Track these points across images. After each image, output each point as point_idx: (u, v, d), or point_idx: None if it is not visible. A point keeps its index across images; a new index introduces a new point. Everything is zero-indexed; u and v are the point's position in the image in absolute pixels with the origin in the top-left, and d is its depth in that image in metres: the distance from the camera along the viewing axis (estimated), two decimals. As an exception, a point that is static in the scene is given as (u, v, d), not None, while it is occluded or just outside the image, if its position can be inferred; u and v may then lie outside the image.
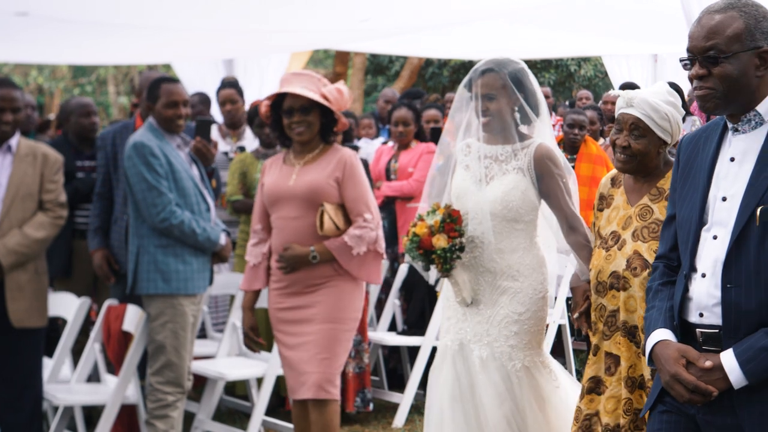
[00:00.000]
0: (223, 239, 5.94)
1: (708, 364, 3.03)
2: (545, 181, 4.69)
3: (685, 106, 8.66)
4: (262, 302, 5.66)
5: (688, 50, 3.13)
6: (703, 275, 3.11)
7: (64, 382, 6.11)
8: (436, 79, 20.99)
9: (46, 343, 6.00)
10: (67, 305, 6.20)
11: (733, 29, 3.03)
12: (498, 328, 4.66)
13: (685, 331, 3.17)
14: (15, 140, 5.70)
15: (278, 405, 7.17)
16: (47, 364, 6.06)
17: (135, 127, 6.53)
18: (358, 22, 9.04)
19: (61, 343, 6.12)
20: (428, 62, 20.64)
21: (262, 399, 6.23)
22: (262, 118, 5.78)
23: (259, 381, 6.39)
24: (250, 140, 8.16)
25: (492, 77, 4.70)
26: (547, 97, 11.12)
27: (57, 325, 6.62)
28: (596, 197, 4.52)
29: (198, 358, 6.45)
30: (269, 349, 6.34)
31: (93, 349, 6.10)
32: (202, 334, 7.12)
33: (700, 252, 3.13)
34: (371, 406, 7.02)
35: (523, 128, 4.78)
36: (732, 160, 3.12)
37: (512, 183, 4.67)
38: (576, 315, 4.55)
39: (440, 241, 4.62)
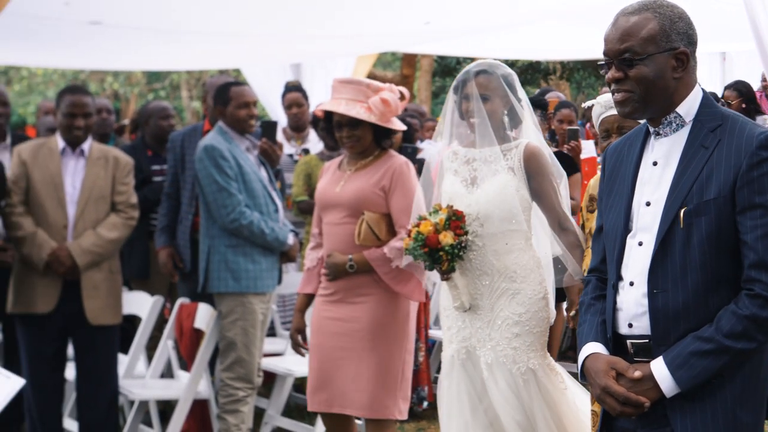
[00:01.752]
0: (291, 239, 6.07)
1: (637, 374, 2.93)
2: (536, 180, 4.63)
3: (757, 104, 8.63)
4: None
5: (604, 53, 3.05)
6: (631, 283, 3.03)
7: (139, 377, 6.28)
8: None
9: (122, 340, 6.21)
10: (141, 303, 6.37)
11: (647, 31, 2.95)
12: (499, 331, 4.57)
13: (617, 344, 3.07)
14: (87, 144, 5.91)
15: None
16: (122, 360, 6.23)
17: (203, 130, 6.70)
18: (422, 24, 9.12)
19: (136, 340, 6.30)
20: (495, 63, 20.61)
21: None
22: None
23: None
24: (314, 143, 8.30)
25: (487, 78, 4.67)
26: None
27: (133, 323, 6.81)
28: (585, 199, 4.54)
29: (267, 355, 6.57)
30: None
31: (166, 346, 6.27)
32: (271, 332, 7.23)
33: (627, 260, 3.05)
34: (425, 404, 7.06)
35: (511, 131, 4.75)
36: (655, 164, 3.04)
37: (503, 182, 4.61)
38: (573, 313, 4.55)
39: (447, 238, 4.51)
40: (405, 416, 5.14)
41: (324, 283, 5.18)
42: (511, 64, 21.29)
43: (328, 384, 5.06)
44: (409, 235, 4.65)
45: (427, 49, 14.48)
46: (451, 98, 4.83)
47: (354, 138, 5.05)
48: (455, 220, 4.55)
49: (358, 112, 4.98)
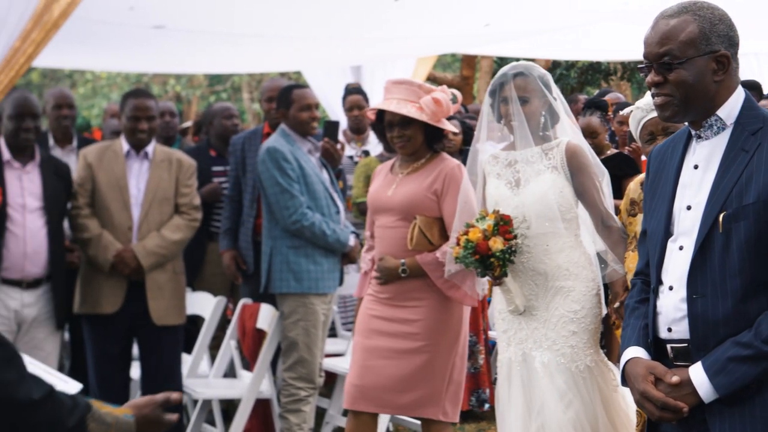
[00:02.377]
0: (352, 241, 6.11)
1: (675, 379, 2.91)
2: (578, 177, 4.64)
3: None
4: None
5: (644, 56, 3.01)
6: (671, 288, 2.99)
7: (202, 376, 6.37)
8: (564, 81, 20.84)
9: (185, 340, 6.29)
10: (204, 304, 6.46)
11: (686, 34, 2.92)
12: (556, 330, 4.57)
13: (658, 348, 3.05)
14: (151, 147, 5.99)
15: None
16: (186, 360, 6.32)
17: (263, 132, 6.76)
18: (482, 26, 9.13)
19: (199, 340, 6.38)
20: (555, 64, 20.55)
21: None
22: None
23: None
24: (373, 145, 8.34)
25: (524, 80, 4.68)
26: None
27: (195, 323, 6.90)
28: (626, 203, 4.54)
29: (329, 355, 6.60)
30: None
31: (229, 346, 6.34)
32: (332, 333, 7.28)
33: (667, 264, 3.02)
34: (486, 406, 7.05)
35: (550, 131, 4.76)
36: (696, 167, 3.01)
37: (549, 182, 4.62)
38: (616, 305, 4.53)
39: (497, 244, 4.50)
40: (454, 419, 5.06)
41: (373, 284, 5.15)
42: (571, 65, 21.23)
43: (370, 383, 5.00)
44: (458, 244, 4.63)
45: (486, 51, 14.45)
46: (486, 102, 4.85)
47: (405, 138, 5.00)
48: (503, 224, 4.54)
49: (409, 110, 4.93)
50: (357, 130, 8.42)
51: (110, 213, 5.85)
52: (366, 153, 8.00)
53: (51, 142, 6.95)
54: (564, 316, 4.57)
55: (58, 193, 5.84)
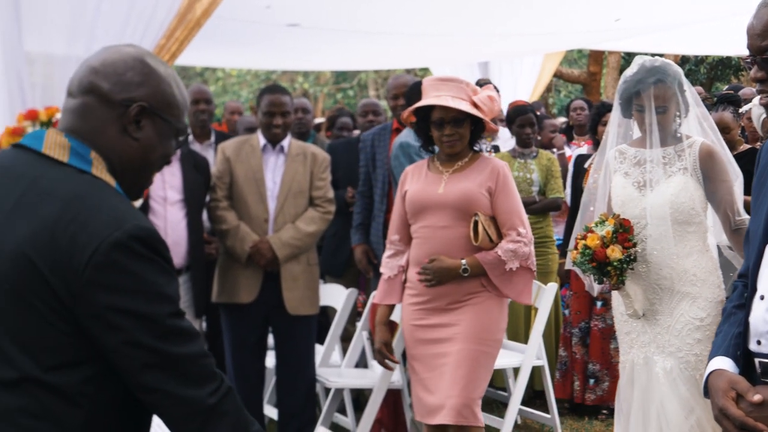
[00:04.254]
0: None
1: (757, 398, 2.58)
2: (711, 180, 4.49)
3: None
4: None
5: (747, 48, 2.65)
6: (762, 297, 2.66)
7: (334, 366, 6.49)
8: (693, 76, 20.51)
9: (317, 330, 6.42)
10: (336, 295, 6.58)
11: None
12: (680, 337, 4.44)
13: (747, 361, 2.74)
14: (287, 141, 6.13)
15: (534, 396, 7.36)
16: (318, 350, 6.42)
17: (392, 129, 6.85)
18: (612, 21, 9.09)
19: (331, 331, 6.50)
20: (685, 59, 20.24)
21: (518, 389, 6.24)
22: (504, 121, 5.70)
23: (516, 371, 6.55)
24: (503, 140, 8.38)
25: (663, 89, 4.51)
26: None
27: (326, 315, 7.04)
28: None
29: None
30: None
31: (361, 337, 6.45)
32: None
33: (762, 270, 2.67)
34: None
35: (681, 131, 4.62)
36: None
37: (680, 184, 4.48)
38: None
39: (615, 253, 4.40)
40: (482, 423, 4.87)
41: (416, 290, 4.94)
42: (701, 60, 20.88)
43: (432, 394, 4.84)
44: (575, 247, 4.57)
45: (615, 46, 14.34)
46: (618, 106, 4.70)
47: (456, 136, 4.84)
48: (623, 232, 4.44)
49: (467, 107, 4.78)
50: (488, 126, 8.47)
51: (247, 205, 6.00)
52: (495, 148, 8.03)
53: (190, 137, 7.17)
54: (689, 323, 4.45)
55: (198, 186, 6.03)
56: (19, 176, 2.23)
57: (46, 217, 2.14)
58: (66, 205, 2.15)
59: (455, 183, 4.87)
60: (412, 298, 4.96)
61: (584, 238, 4.52)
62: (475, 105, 4.81)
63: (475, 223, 4.77)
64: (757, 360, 2.69)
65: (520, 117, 7.51)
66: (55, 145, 2.26)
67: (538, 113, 9.09)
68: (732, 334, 2.79)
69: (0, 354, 2.14)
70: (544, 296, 6.22)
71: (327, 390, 6.43)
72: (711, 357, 2.83)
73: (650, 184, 4.57)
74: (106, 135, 2.30)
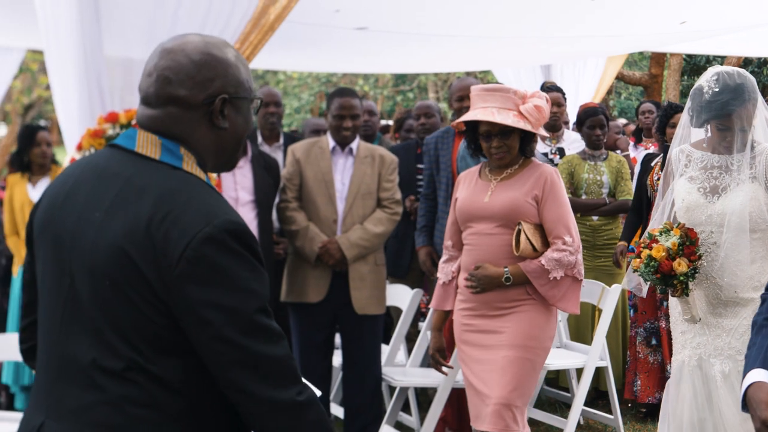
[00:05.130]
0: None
1: None
2: None
3: None
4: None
5: None
6: None
7: (399, 365, 6.56)
8: (756, 79, 20.35)
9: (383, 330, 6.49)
10: (401, 296, 6.64)
11: None
12: (741, 340, 4.37)
13: None
14: (355, 144, 6.21)
15: (597, 397, 7.38)
16: (384, 349, 6.49)
17: (456, 131, 6.91)
18: (677, 24, 9.07)
19: (397, 330, 6.56)
20: (747, 61, 20.05)
21: (581, 390, 6.27)
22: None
23: (579, 372, 6.59)
24: (568, 142, 8.40)
25: (749, 109, 4.43)
26: None
27: (389, 315, 7.11)
28: None
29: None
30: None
31: (426, 337, 6.51)
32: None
33: None
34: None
35: (750, 137, 4.52)
36: None
37: (750, 193, 4.42)
38: None
39: (681, 266, 4.35)
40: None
41: (464, 295, 4.96)
42: (764, 62, 20.65)
43: (478, 399, 4.83)
44: (639, 256, 4.50)
45: (678, 48, 14.25)
46: (691, 111, 4.59)
47: (505, 148, 4.81)
48: (689, 245, 4.39)
49: (513, 120, 4.72)
50: (552, 128, 8.51)
51: (316, 206, 6.08)
52: (561, 150, 8.08)
53: (259, 139, 7.29)
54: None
55: (268, 187, 6.14)
56: (115, 175, 2.32)
57: (140, 213, 2.23)
58: (159, 201, 2.23)
59: (501, 192, 4.85)
60: (461, 304, 4.97)
61: (648, 247, 4.46)
62: (523, 115, 4.74)
63: (518, 233, 4.74)
64: None
65: (590, 119, 7.53)
66: (147, 143, 2.35)
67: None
68: (766, 346, 2.79)
69: (106, 345, 2.24)
70: (608, 297, 6.26)
71: (392, 389, 6.51)
72: (747, 370, 2.81)
73: (719, 191, 4.51)
74: (197, 134, 2.39)
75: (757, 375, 2.77)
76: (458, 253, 5.05)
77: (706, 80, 4.56)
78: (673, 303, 4.70)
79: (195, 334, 2.23)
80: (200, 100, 2.37)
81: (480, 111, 4.78)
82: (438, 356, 5.13)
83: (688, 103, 4.67)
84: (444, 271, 5.11)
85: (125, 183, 2.30)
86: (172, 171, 2.32)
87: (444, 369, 5.23)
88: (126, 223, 2.24)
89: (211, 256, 2.20)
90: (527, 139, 4.87)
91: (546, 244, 4.81)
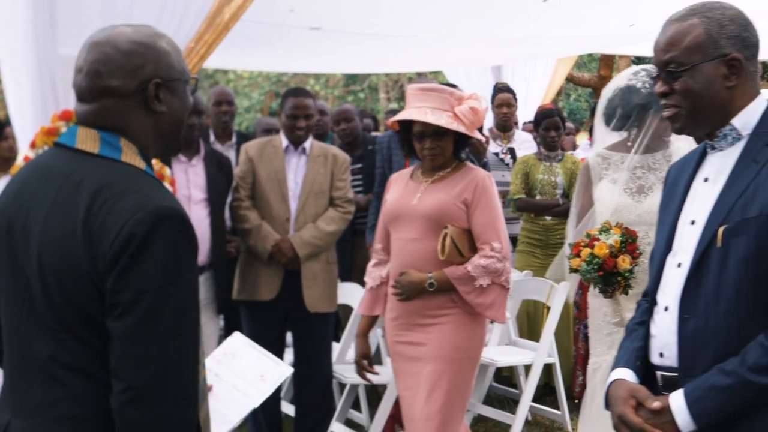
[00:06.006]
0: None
1: (656, 405, 2.61)
2: None
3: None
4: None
5: (653, 63, 2.77)
6: (666, 308, 2.71)
7: (350, 363, 6.53)
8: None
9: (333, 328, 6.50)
10: (352, 294, 6.67)
11: (692, 38, 2.63)
12: None
13: (649, 375, 2.76)
14: (309, 143, 6.23)
15: (547, 393, 7.48)
16: (334, 347, 6.53)
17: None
18: (626, 26, 9.18)
19: (347, 328, 6.61)
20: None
21: (529, 386, 6.36)
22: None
23: (528, 369, 6.67)
24: (518, 143, 8.51)
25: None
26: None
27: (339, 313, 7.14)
28: None
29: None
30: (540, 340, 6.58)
31: (376, 335, 6.57)
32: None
33: (664, 283, 2.75)
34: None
35: (669, 136, 4.59)
36: (706, 180, 2.72)
37: None
38: None
39: (625, 263, 4.30)
40: None
41: (391, 304, 4.79)
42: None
43: (410, 413, 4.67)
44: (578, 255, 4.40)
45: (626, 51, 14.41)
46: (609, 109, 4.63)
47: (437, 150, 4.67)
48: (631, 242, 4.36)
49: (446, 121, 4.59)
50: (504, 128, 8.61)
51: (269, 205, 6.09)
52: (511, 150, 8.20)
53: (212, 137, 7.30)
54: None
55: (221, 185, 6.13)
56: (58, 173, 2.34)
57: (78, 208, 2.25)
58: (95, 195, 2.25)
59: (430, 194, 4.70)
60: (389, 313, 4.83)
61: (589, 245, 4.39)
62: (457, 116, 4.63)
63: (444, 236, 4.59)
64: (658, 373, 2.73)
65: (546, 120, 7.63)
66: (86, 138, 2.37)
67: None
68: (633, 348, 2.81)
69: (61, 341, 2.27)
70: (557, 295, 6.34)
71: (342, 386, 6.54)
72: (612, 370, 2.85)
73: (644, 191, 4.54)
74: (135, 122, 2.41)
75: (617, 373, 2.81)
76: (388, 257, 4.89)
77: (632, 79, 4.60)
78: (596, 306, 4.67)
79: (115, 317, 2.22)
80: (133, 87, 2.38)
81: (414, 110, 4.66)
82: (363, 363, 5.02)
83: (606, 108, 4.67)
84: (372, 275, 4.95)
85: (65, 180, 2.31)
86: (111, 163, 2.34)
87: (369, 376, 5.13)
88: (66, 220, 2.26)
89: (141, 238, 2.20)
90: (462, 141, 4.75)
91: (474, 251, 4.65)
